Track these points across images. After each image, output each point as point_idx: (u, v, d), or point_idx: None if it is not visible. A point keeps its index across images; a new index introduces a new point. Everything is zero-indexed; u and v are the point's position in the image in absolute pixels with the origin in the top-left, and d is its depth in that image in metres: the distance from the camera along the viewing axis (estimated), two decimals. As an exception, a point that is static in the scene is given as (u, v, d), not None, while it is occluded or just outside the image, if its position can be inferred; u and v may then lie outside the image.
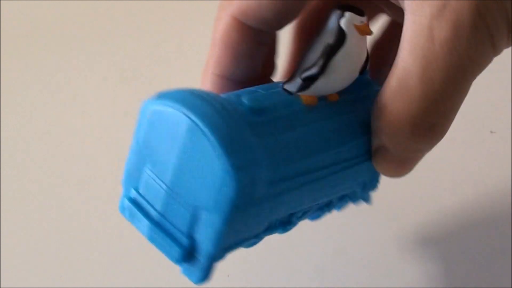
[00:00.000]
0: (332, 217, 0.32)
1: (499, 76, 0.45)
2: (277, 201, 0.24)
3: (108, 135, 0.47)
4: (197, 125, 0.22)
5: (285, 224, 0.27)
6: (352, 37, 0.25)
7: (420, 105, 0.24)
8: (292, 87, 0.26)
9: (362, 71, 0.27)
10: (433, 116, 0.24)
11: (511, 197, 0.39)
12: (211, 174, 0.22)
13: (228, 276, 0.38)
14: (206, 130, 0.22)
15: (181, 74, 0.50)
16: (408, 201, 0.40)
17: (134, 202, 0.25)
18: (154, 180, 0.24)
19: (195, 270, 0.24)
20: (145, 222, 0.25)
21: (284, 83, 0.26)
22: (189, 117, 0.22)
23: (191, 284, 0.26)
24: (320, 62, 0.25)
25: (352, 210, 0.33)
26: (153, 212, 0.25)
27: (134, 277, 0.38)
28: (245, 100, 0.24)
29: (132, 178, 0.25)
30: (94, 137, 0.47)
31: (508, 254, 0.36)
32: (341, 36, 0.25)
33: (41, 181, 0.45)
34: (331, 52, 0.25)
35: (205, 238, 0.23)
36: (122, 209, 0.26)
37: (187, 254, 0.24)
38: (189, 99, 0.23)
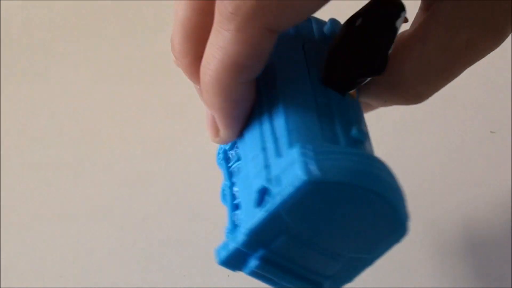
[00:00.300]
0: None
1: (499, 76, 0.45)
2: None
3: (107, 135, 0.47)
4: (375, 193, 0.23)
5: None
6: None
7: None
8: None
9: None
10: None
11: (511, 197, 0.39)
12: (381, 228, 0.24)
13: (228, 276, 0.38)
14: (384, 195, 0.23)
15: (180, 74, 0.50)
16: (408, 201, 0.40)
17: (264, 259, 0.24)
18: (295, 241, 0.24)
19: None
20: (280, 274, 0.25)
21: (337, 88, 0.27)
22: (365, 188, 0.23)
23: None
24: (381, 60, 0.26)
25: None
26: (289, 265, 0.25)
27: (134, 277, 0.38)
28: (354, 132, 0.25)
29: (261, 240, 0.24)
30: (93, 136, 0.47)
31: (508, 254, 0.36)
32: (395, 34, 0.26)
33: (39, 180, 0.45)
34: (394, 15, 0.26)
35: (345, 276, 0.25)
36: (237, 253, 0.25)
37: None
38: (349, 168, 0.23)
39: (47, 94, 0.51)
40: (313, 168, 0.22)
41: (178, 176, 0.43)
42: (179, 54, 0.26)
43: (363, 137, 0.25)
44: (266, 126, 0.25)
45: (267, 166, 0.23)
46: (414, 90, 0.27)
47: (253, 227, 0.23)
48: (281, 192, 0.22)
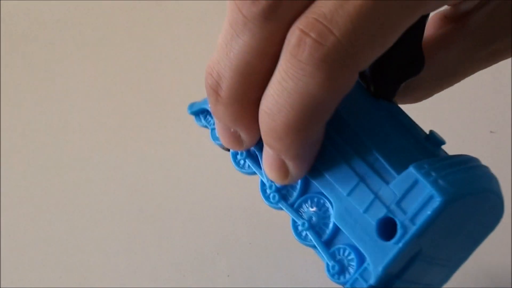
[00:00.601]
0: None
1: (499, 76, 0.45)
2: None
3: (106, 138, 0.47)
4: (492, 191, 0.24)
5: None
6: None
7: None
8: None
9: None
10: None
11: (511, 197, 0.39)
12: (488, 222, 0.26)
13: (228, 276, 0.38)
14: (497, 190, 0.25)
15: (180, 76, 0.50)
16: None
17: None
18: (423, 262, 0.24)
19: None
20: None
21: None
22: (487, 190, 0.24)
23: None
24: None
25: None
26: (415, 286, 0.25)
27: (134, 277, 0.38)
28: (432, 135, 0.25)
29: (395, 272, 0.23)
30: (93, 139, 0.47)
31: (508, 254, 0.36)
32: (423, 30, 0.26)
33: (39, 182, 0.45)
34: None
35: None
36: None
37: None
38: (469, 177, 0.23)
39: (49, 94, 0.51)
40: (445, 185, 0.21)
41: (178, 176, 0.43)
42: (229, 99, 0.24)
43: (438, 137, 0.25)
44: (350, 156, 0.24)
45: (377, 196, 0.22)
46: (425, 92, 0.27)
47: (390, 261, 0.22)
48: (415, 218, 0.21)
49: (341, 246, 0.24)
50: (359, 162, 0.23)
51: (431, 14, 0.27)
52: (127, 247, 0.40)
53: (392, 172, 0.22)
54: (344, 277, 0.23)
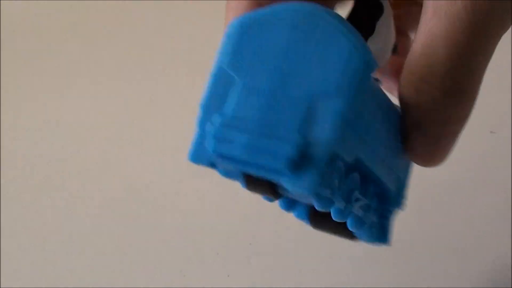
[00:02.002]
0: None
1: (499, 76, 0.45)
2: (367, 112, 0.23)
3: (107, 136, 0.47)
4: (315, 10, 0.21)
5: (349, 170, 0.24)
6: (386, 8, 0.27)
7: (446, 67, 0.24)
8: None
9: (394, 49, 0.28)
10: (460, 77, 0.24)
11: (511, 197, 0.39)
12: (333, 58, 0.21)
13: (228, 276, 0.38)
14: (325, 13, 0.21)
15: (181, 74, 0.50)
16: (408, 202, 0.40)
17: (223, 125, 0.22)
18: (248, 95, 0.22)
19: (306, 172, 0.21)
20: (241, 138, 0.22)
21: None
22: (302, 7, 0.21)
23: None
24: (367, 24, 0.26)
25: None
26: (251, 126, 0.22)
27: (134, 277, 0.38)
28: None
29: (214, 105, 0.22)
30: (93, 138, 0.47)
31: (508, 254, 0.36)
32: (380, 5, 0.27)
33: (41, 179, 0.45)
34: (375, 16, 0.26)
35: (322, 130, 0.21)
36: (201, 139, 0.23)
37: (300, 154, 0.21)
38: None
39: (46, 93, 0.51)
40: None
41: (179, 176, 0.43)
42: None
43: None
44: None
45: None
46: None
47: None
48: None
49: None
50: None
51: None
52: (127, 247, 0.40)
53: None
54: None
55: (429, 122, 0.25)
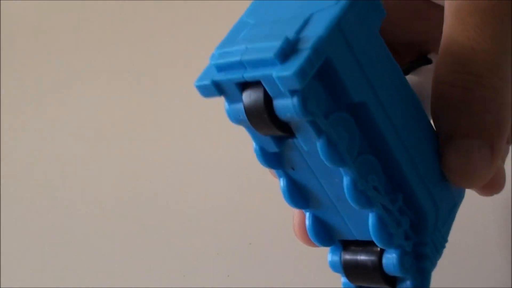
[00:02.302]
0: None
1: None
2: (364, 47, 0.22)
3: (107, 135, 0.47)
4: None
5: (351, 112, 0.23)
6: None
7: (472, 67, 0.23)
8: None
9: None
10: (488, 76, 0.24)
11: (511, 197, 0.39)
12: None
13: (228, 276, 0.38)
14: None
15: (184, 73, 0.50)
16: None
17: (226, 45, 0.22)
18: (254, 27, 0.22)
19: (293, 60, 0.21)
20: (239, 47, 0.22)
21: None
22: None
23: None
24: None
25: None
26: (249, 37, 0.22)
27: (133, 277, 0.38)
28: None
29: (226, 44, 0.23)
30: (93, 137, 0.47)
31: (508, 254, 0.36)
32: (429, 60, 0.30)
33: (41, 179, 0.45)
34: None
35: (314, 29, 0.21)
36: (208, 69, 0.23)
37: (290, 47, 0.21)
38: None
39: (47, 93, 0.51)
40: None
41: (179, 176, 0.43)
42: None
43: None
44: None
45: None
46: None
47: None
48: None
49: None
50: None
51: None
52: (127, 247, 0.40)
53: None
54: None
55: (459, 131, 0.24)
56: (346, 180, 0.22)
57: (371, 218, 0.23)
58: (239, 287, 0.37)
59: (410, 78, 0.28)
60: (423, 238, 0.24)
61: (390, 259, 0.23)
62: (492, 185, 0.27)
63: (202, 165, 0.43)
